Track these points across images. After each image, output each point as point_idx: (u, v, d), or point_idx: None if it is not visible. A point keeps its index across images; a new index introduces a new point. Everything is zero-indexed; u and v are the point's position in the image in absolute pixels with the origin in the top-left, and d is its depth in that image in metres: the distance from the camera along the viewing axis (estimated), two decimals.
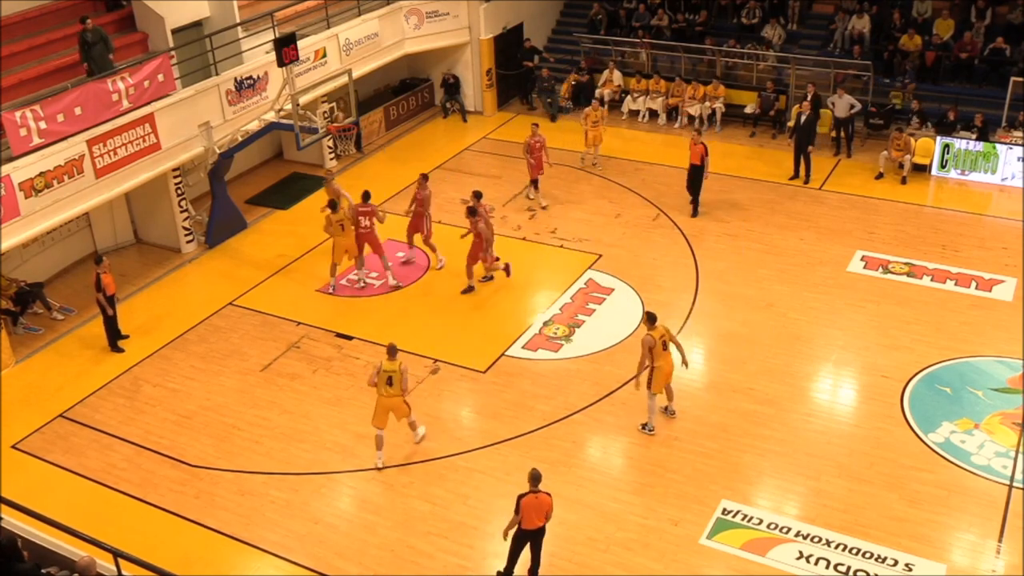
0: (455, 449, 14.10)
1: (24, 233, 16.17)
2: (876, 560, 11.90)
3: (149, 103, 17.91)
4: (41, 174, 16.11)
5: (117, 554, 10.15)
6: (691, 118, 24.65)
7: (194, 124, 18.86)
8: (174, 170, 19.17)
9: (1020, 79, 21.63)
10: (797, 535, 12.32)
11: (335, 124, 19.60)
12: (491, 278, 18.13)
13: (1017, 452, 13.18)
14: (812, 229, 19.61)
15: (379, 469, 13.89)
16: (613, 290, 17.86)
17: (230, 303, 18.05)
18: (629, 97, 25.53)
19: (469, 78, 26.14)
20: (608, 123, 25.03)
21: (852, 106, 22.23)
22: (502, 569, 11.89)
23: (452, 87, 26.11)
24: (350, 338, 16.81)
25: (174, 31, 19.58)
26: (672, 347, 14.15)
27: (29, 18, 18.23)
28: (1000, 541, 12.12)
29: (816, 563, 11.92)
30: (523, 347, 16.37)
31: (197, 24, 20.33)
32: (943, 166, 21.52)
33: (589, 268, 18.55)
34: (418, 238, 18.91)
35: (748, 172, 22.20)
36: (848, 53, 24.33)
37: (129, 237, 20.31)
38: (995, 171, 21.12)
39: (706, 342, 16.55)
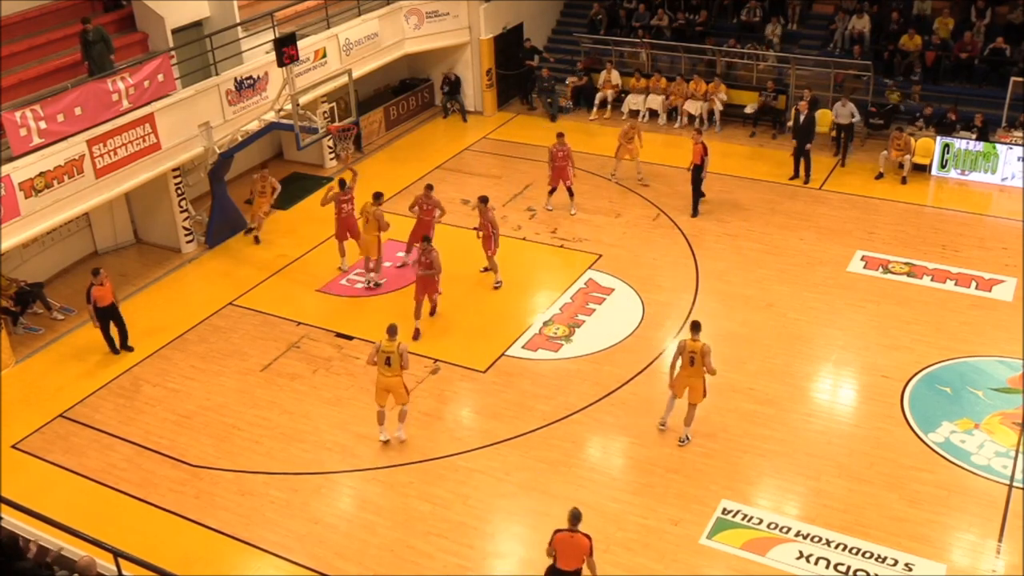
0: (455, 449, 14.09)
1: (24, 233, 16.16)
2: (876, 560, 11.89)
3: (149, 103, 17.90)
4: (41, 174, 16.09)
5: (117, 554, 10.16)
6: (691, 117, 24.63)
7: (194, 124, 18.84)
8: (174, 170, 19.15)
9: (1020, 79, 21.62)
10: (797, 535, 12.31)
11: (335, 124, 19.57)
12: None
13: (1017, 452, 13.13)
14: (812, 229, 19.60)
15: (384, 442, 14.18)
16: (613, 290, 17.85)
17: (230, 303, 18.04)
18: (630, 96, 25.49)
19: (469, 78, 26.13)
20: (608, 123, 25.14)
21: (853, 114, 22.21)
22: None
23: (452, 87, 26.10)
24: (350, 338, 16.79)
25: (174, 31, 19.57)
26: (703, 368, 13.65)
27: (29, 18, 18.20)
28: (1000, 541, 12.11)
29: (816, 563, 11.91)
30: (523, 347, 16.36)
31: (197, 24, 20.32)
32: (943, 166, 21.51)
33: (589, 268, 18.54)
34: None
35: (748, 172, 22.19)
36: (848, 53, 24.33)
37: (129, 237, 20.30)
38: (995, 171, 21.12)
39: (706, 342, 16.45)
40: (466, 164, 23.54)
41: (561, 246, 19.39)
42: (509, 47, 26.50)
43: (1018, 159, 20.84)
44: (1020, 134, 21.28)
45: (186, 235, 19.90)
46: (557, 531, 10.86)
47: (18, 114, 15.75)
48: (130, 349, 16.67)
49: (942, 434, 13.96)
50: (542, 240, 19.55)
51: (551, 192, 20.66)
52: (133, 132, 17.56)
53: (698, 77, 24.87)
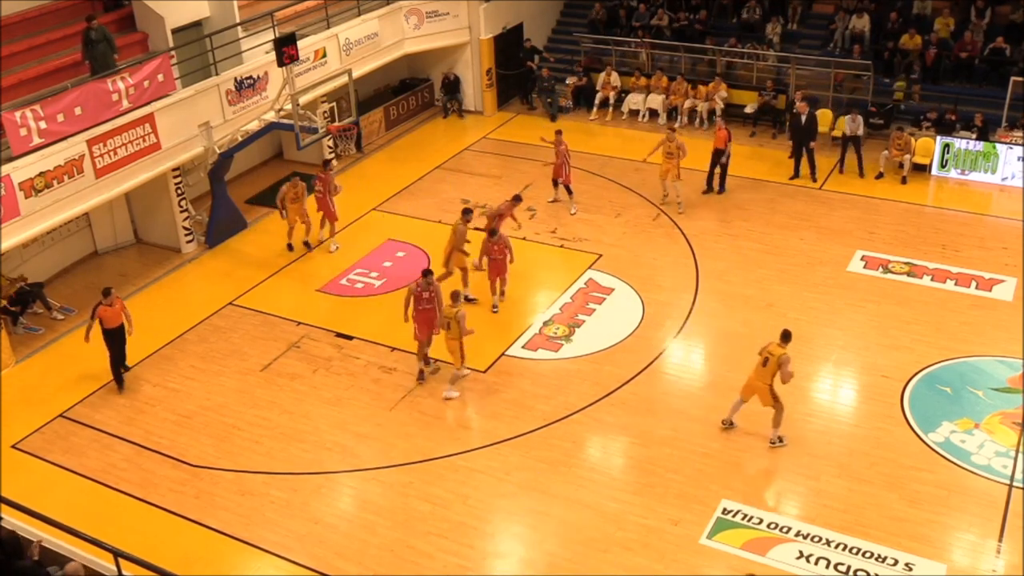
0: (455, 449, 14.08)
1: (24, 233, 16.15)
2: (876, 560, 11.88)
3: (149, 103, 17.88)
4: (41, 174, 16.08)
5: (117, 554, 10.13)
6: (693, 113, 24.56)
7: (194, 124, 18.83)
8: (174, 170, 19.13)
9: (1020, 79, 21.59)
10: (797, 535, 12.29)
11: (335, 124, 19.54)
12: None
13: (1017, 452, 13.16)
14: (812, 229, 19.58)
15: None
16: (613, 290, 17.83)
17: (230, 303, 18.01)
18: (631, 96, 25.48)
19: (469, 78, 26.11)
20: (608, 123, 25.12)
21: (861, 127, 22.12)
22: None
23: (452, 86, 26.09)
24: (350, 338, 16.77)
25: (174, 31, 19.56)
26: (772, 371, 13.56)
27: (29, 18, 18.20)
28: (1000, 541, 12.10)
29: (816, 563, 11.89)
30: (523, 347, 16.34)
31: (197, 24, 20.30)
32: (943, 166, 21.48)
33: (589, 268, 18.52)
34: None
35: (749, 172, 22.14)
36: (848, 52, 24.29)
37: (129, 237, 20.28)
38: (995, 171, 21.09)
39: (706, 342, 16.54)
40: (466, 164, 23.51)
41: (561, 246, 19.36)
42: (509, 47, 26.48)
43: (1018, 159, 20.82)
44: (1020, 134, 21.26)
45: (186, 235, 19.87)
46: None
47: (18, 114, 15.74)
48: (127, 368, 16.23)
49: (942, 434, 13.94)
50: (542, 240, 19.53)
51: (554, 183, 20.78)
52: (133, 132, 17.54)
53: (698, 84, 24.84)
